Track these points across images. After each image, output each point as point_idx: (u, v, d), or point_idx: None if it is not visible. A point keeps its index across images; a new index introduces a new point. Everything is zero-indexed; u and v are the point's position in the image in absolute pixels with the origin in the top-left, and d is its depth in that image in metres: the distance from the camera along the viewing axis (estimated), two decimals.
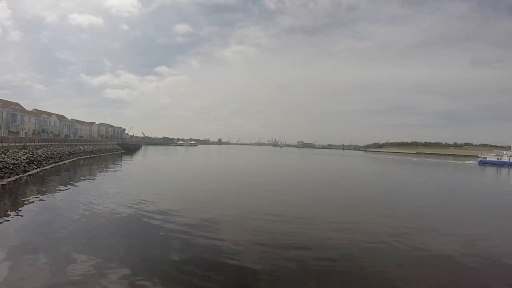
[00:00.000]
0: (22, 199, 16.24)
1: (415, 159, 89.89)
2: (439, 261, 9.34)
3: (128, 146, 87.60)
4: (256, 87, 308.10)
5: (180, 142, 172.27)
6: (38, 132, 64.37)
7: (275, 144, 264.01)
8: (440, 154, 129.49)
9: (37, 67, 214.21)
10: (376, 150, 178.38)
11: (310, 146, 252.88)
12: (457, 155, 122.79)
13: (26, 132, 58.82)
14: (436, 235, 12.23)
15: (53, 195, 17.55)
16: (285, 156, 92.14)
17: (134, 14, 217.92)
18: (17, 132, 54.60)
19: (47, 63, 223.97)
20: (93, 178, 25.68)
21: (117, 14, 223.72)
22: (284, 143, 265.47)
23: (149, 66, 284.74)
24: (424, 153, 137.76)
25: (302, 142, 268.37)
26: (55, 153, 38.31)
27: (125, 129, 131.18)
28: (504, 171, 53.37)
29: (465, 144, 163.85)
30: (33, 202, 15.51)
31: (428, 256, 9.69)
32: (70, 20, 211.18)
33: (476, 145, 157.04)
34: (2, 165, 22.66)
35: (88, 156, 51.49)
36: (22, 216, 12.90)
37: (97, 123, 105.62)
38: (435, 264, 9.09)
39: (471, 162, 72.99)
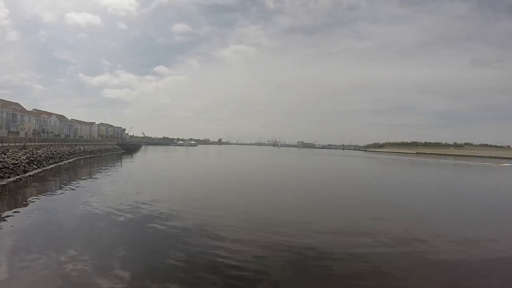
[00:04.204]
0: (22, 200, 16.24)
1: (448, 161, 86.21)
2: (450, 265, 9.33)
3: (128, 146, 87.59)
4: (256, 87, 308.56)
5: (180, 142, 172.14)
6: (38, 132, 64.37)
7: (274, 144, 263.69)
8: (440, 154, 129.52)
9: (36, 67, 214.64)
10: (376, 150, 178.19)
11: (310, 146, 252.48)
12: (457, 155, 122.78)
13: (26, 132, 58.83)
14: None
15: (53, 195, 17.54)
16: (285, 156, 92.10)
17: (132, 13, 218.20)
18: (17, 132, 54.61)
19: (46, 63, 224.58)
20: (93, 178, 25.66)
21: (115, 13, 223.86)
22: (284, 143, 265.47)
23: (148, 66, 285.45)
24: (424, 153, 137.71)
25: (302, 142, 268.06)
26: (55, 153, 38.29)
27: (125, 129, 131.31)
28: None
29: (465, 144, 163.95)
30: (33, 202, 15.50)
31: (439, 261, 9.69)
32: (68, 19, 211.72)
33: (476, 145, 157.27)
34: (2, 165, 22.64)
35: (88, 156, 51.47)
36: (22, 216, 12.87)
37: (97, 123, 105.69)
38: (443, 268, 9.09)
39: (506, 164, 71.03)
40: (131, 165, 43.47)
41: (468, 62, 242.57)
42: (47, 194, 17.59)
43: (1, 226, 11.42)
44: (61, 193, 18.42)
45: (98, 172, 30.47)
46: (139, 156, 65.60)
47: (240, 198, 19.50)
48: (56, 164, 33.80)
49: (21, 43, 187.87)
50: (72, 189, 19.86)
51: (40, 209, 14.27)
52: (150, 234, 11.11)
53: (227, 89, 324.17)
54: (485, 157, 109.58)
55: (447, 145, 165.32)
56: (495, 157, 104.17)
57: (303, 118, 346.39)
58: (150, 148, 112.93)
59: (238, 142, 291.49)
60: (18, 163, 25.37)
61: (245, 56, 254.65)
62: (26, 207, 14.44)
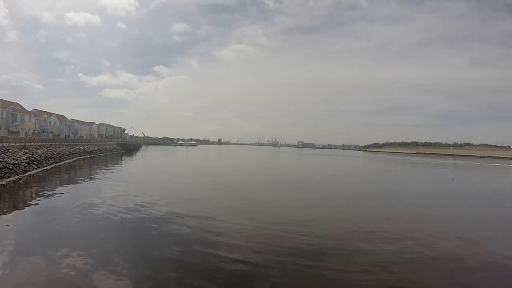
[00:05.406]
0: (22, 200, 16.22)
1: (452, 161, 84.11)
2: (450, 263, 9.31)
3: (128, 146, 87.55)
4: (256, 87, 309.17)
5: (180, 142, 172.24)
6: (38, 132, 64.33)
7: (274, 144, 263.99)
8: (440, 154, 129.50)
9: (36, 67, 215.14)
10: (376, 150, 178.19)
11: (310, 146, 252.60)
12: (457, 155, 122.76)
13: (26, 132, 58.80)
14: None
15: (53, 195, 17.50)
16: (285, 157, 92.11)
17: (131, 13, 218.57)
18: (17, 132, 54.57)
19: (45, 63, 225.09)
20: (93, 179, 25.63)
21: (114, 13, 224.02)
22: (284, 143, 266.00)
23: (148, 66, 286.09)
24: (424, 153, 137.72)
25: (302, 142, 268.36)
26: (55, 153, 38.26)
27: (125, 129, 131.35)
28: None
29: (465, 144, 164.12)
30: (32, 202, 15.47)
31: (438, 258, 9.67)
32: (67, 19, 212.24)
33: (476, 145, 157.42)
34: (2, 165, 22.61)
35: (88, 156, 51.41)
36: (21, 216, 12.87)
37: (97, 123, 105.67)
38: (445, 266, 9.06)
39: None
40: (131, 165, 43.43)
41: (468, 62, 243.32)
42: (47, 194, 17.55)
43: (1, 225, 11.40)
44: (61, 193, 18.38)
45: (98, 172, 30.44)
46: (139, 156, 65.56)
47: (240, 198, 19.46)
48: (56, 164, 33.76)
49: (21, 43, 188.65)
50: (72, 189, 19.84)
51: (40, 208, 14.26)
52: (150, 234, 11.08)
53: (227, 89, 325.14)
54: (485, 157, 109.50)
55: (447, 145, 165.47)
56: (505, 158, 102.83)
57: (303, 118, 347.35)
58: (150, 148, 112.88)
59: (238, 142, 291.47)
60: (18, 163, 25.34)
61: (244, 55, 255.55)
62: (26, 207, 14.42)
